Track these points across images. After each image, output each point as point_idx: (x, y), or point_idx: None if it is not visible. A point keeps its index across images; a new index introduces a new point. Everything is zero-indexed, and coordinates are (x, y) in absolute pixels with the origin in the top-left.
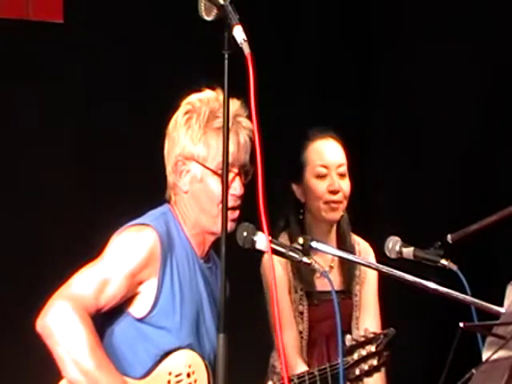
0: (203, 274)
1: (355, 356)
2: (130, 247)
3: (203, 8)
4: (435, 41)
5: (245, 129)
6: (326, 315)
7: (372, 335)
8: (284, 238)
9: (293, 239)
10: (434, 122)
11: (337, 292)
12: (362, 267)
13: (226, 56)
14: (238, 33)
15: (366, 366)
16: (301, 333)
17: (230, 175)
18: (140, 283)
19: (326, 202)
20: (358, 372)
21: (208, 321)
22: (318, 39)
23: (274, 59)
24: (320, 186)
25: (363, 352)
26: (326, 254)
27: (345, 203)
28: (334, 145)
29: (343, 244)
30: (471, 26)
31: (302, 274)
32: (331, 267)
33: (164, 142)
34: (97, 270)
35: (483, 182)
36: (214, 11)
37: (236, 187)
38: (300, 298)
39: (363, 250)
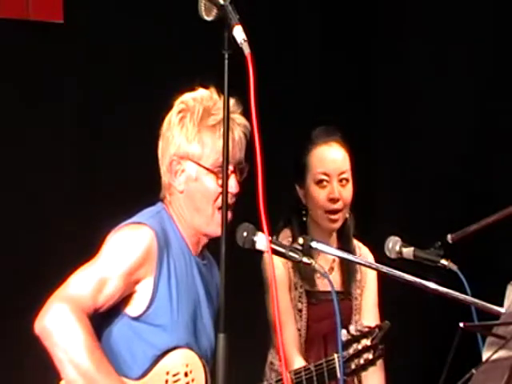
0: (200, 271)
1: (351, 350)
2: (127, 246)
3: (203, 8)
4: (435, 42)
5: (239, 125)
6: (324, 315)
7: (367, 329)
8: (286, 234)
9: (295, 238)
10: (434, 122)
11: (336, 293)
12: (363, 272)
13: (226, 56)
14: (238, 33)
15: (361, 360)
16: (299, 330)
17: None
18: (137, 282)
19: (326, 212)
20: (353, 366)
21: (205, 317)
22: (318, 39)
23: (273, 59)
24: (320, 194)
25: (359, 346)
26: (327, 255)
27: (345, 211)
28: (337, 150)
29: (345, 246)
30: (471, 28)
31: (303, 272)
32: (332, 268)
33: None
34: (94, 270)
35: (483, 182)
36: (214, 11)
37: (232, 185)
38: (299, 295)
39: (364, 254)
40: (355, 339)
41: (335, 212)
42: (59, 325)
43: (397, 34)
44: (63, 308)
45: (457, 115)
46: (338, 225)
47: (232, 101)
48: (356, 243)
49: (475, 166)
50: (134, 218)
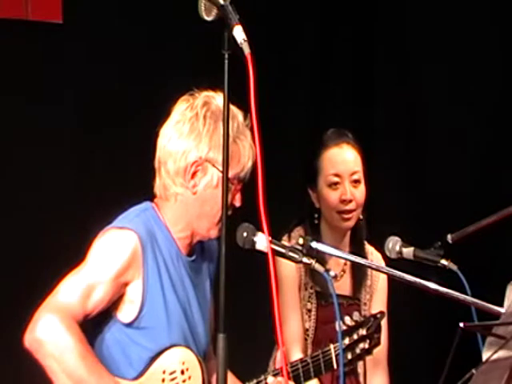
0: (187, 269)
1: (346, 341)
2: (112, 250)
3: (203, 8)
4: (435, 42)
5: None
6: (332, 317)
7: (362, 319)
8: (299, 232)
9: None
10: (434, 122)
11: (345, 297)
12: (374, 278)
13: (226, 56)
14: (238, 33)
15: (357, 350)
16: (307, 330)
17: (237, 187)
18: (125, 284)
19: (339, 212)
20: (350, 356)
21: (196, 315)
22: (318, 39)
23: (273, 59)
24: (332, 196)
25: (354, 336)
26: (339, 258)
27: (358, 211)
28: (349, 151)
29: (358, 251)
30: (471, 27)
31: (314, 273)
32: (343, 271)
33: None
34: (81, 277)
35: (484, 182)
36: (214, 11)
37: (238, 200)
38: (309, 295)
39: (375, 259)
40: (351, 329)
41: (348, 212)
42: (49, 336)
43: (397, 33)
44: (52, 318)
45: (457, 115)
46: (351, 223)
47: (243, 117)
48: (369, 248)
49: (475, 167)
50: (118, 222)
